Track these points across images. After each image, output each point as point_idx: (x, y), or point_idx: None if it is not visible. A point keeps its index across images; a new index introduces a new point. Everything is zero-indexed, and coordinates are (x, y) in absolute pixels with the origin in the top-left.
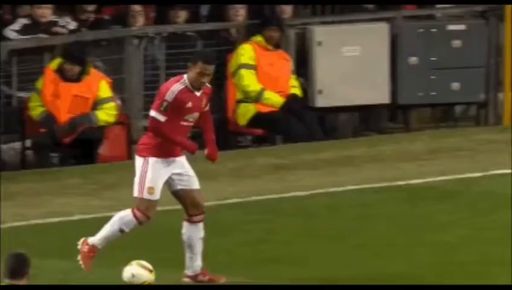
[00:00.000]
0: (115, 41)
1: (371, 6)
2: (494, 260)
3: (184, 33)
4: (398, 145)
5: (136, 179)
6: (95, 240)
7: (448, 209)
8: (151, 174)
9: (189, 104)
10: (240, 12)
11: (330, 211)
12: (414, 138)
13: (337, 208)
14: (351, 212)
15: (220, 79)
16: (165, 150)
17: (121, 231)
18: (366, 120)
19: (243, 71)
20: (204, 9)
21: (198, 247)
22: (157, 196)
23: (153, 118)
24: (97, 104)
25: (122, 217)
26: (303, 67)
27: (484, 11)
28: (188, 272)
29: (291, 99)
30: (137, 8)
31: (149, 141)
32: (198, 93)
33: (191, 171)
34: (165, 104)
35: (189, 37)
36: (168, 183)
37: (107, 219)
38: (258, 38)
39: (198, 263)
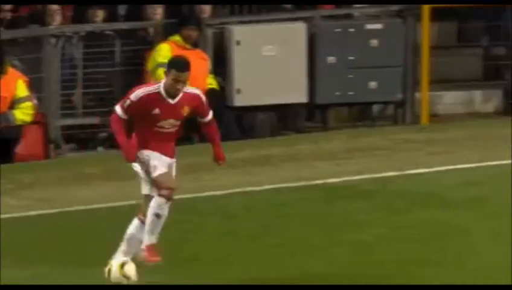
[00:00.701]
0: (32, 40)
1: (288, 6)
2: (410, 259)
3: (102, 32)
4: (315, 145)
5: (142, 174)
6: (146, 240)
7: (365, 208)
8: (149, 159)
9: (157, 111)
10: (157, 11)
11: (247, 211)
12: (331, 137)
13: (254, 208)
14: (268, 211)
15: (138, 78)
16: (152, 146)
17: (157, 215)
18: (283, 119)
19: (161, 70)
20: (122, 9)
21: (134, 247)
22: (164, 168)
23: (114, 111)
24: (14, 103)
25: (153, 205)
26: (221, 67)
27: (401, 10)
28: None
29: (210, 94)
30: (54, 7)
31: (135, 141)
32: (172, 101)
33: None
34: (128, 102)
35: (107, 36)
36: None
37: (24, 219)
38: (176, 37)
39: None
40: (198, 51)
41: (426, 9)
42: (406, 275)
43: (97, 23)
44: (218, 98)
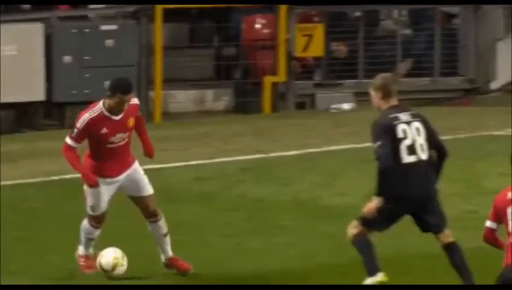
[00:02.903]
0: None
1: (26, 6)
2: (147, 254)
3: None
4: (53, 142)
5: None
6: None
7: None
8: (90, 196)
9: (105, 130)
10: None
11: None
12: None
13: None
14: (9, 206)
15: None
16: (102, 171)
17: (90, 239)
18: (22, 117)
19: None
20: None
21: (163, 241)
22: (100, 210)
23: (65, 142)
24: None
25: (83, 226)
26: None
27: (135, 12)
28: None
29: None
30: None
31: (86, 162)
32: (117, 117)
33: (140, 180)
34: (75, 131)
35: None
36: (121, 189)
37: None
38: None
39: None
40: None
41: (159, 10)
42: (141, 269)
43: None
44: None
